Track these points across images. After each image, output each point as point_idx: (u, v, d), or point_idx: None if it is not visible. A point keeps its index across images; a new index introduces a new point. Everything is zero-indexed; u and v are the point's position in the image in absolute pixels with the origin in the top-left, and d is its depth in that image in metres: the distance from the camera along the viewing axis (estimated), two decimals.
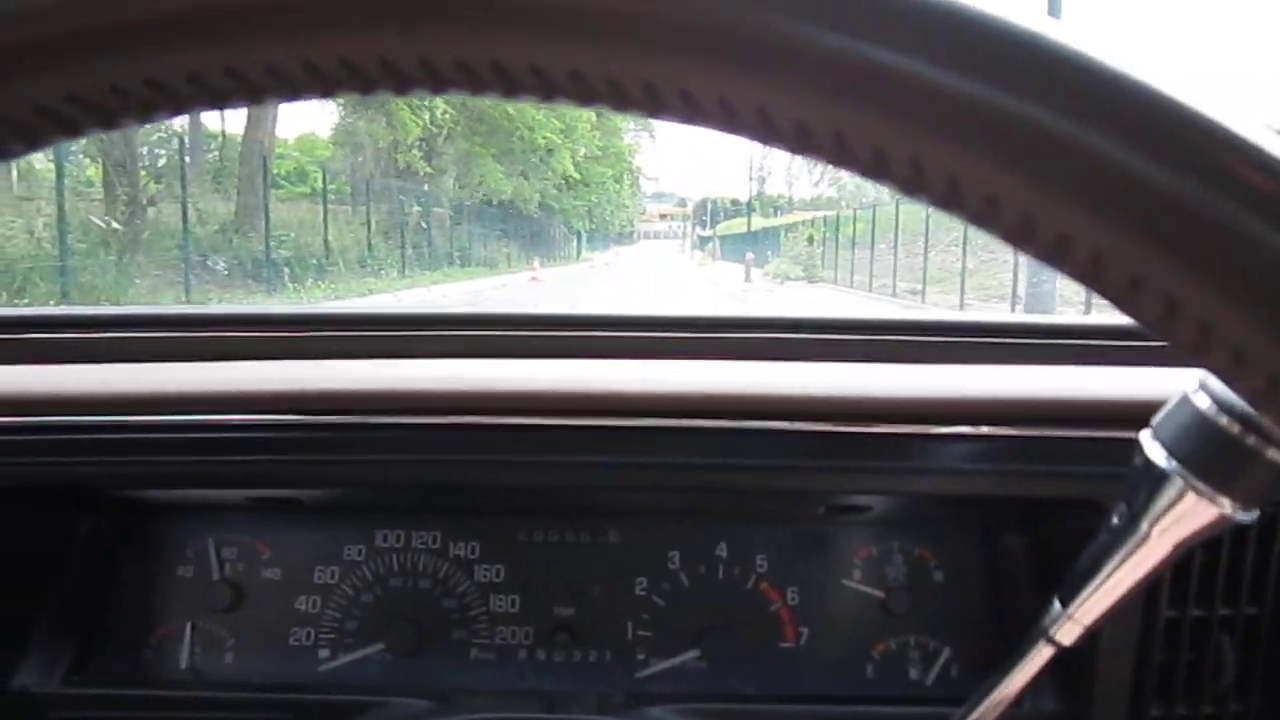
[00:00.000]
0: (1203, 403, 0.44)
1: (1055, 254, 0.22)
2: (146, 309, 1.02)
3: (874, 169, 0.22)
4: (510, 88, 0.23)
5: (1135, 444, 0.47)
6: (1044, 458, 0.68)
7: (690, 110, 0.23)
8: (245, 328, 0.96)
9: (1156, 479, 0.46)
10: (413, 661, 0.76)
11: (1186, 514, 0.45)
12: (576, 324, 0.96)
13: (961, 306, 14.87)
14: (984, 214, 0.22)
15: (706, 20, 0.21)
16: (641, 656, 0.77)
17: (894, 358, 0.90)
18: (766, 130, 0.23)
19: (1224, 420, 0.43)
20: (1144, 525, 0.47)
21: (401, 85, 0.24)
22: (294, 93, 0.24)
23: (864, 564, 0.78)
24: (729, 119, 0.23)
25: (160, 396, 0.69)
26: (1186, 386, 0.45)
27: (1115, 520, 0.49)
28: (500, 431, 0.69)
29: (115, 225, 11.96)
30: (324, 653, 0.77)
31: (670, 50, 0.21)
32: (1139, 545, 0.47)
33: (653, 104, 0.23)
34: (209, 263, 13.98)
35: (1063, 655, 0.53)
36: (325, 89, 0.24)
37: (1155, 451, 0.46)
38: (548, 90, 0.23)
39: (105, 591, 0.76)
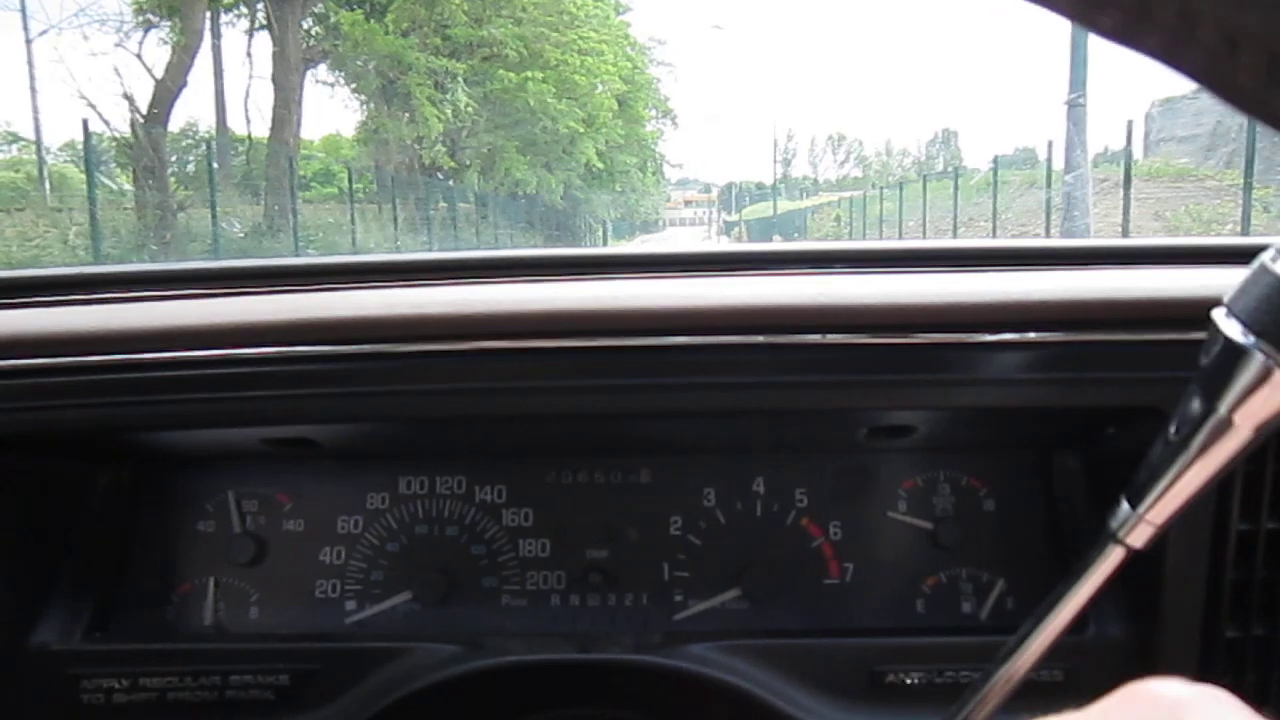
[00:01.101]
0: None
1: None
2: (164, 266, 0.98)
3: None
4: None
5: (1203, 336, 0.43)
6: (1099, 364, 0.63)
7: None
8: (263, 282, 0.93)
9: (1234, 356, 0.42)
10: (442, 611, 0.74)
11: (1269, 392, 0.41)
12: (601, 264, 0.92)
13: None
14: None
15: None
16: (679, 598, 0.74)
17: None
18: None
19: None
20: (1222, 408, 0.43)
21: None
22: None
23: (909, 495, 0.74)
24: None
25: (170, 331, 0.65)
26: (1263, 256, 0.41)
27: (1184, 410, 0.45)
28: (524, 355, 0.65)
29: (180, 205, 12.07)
30: (350, 604, 0.74)
31: None
32: (1216, 432, 0.43)
33: None
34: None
35: (1130, 568, 0.49)
36: None
37: (1231, 327, 0.42)
38: None
39: (126, 547, 0.74)
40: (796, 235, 30.24)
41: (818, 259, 0.91)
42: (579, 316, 0.65)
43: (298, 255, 14.64)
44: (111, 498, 0.73)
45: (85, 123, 10.70)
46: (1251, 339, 0.41)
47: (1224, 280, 0.63)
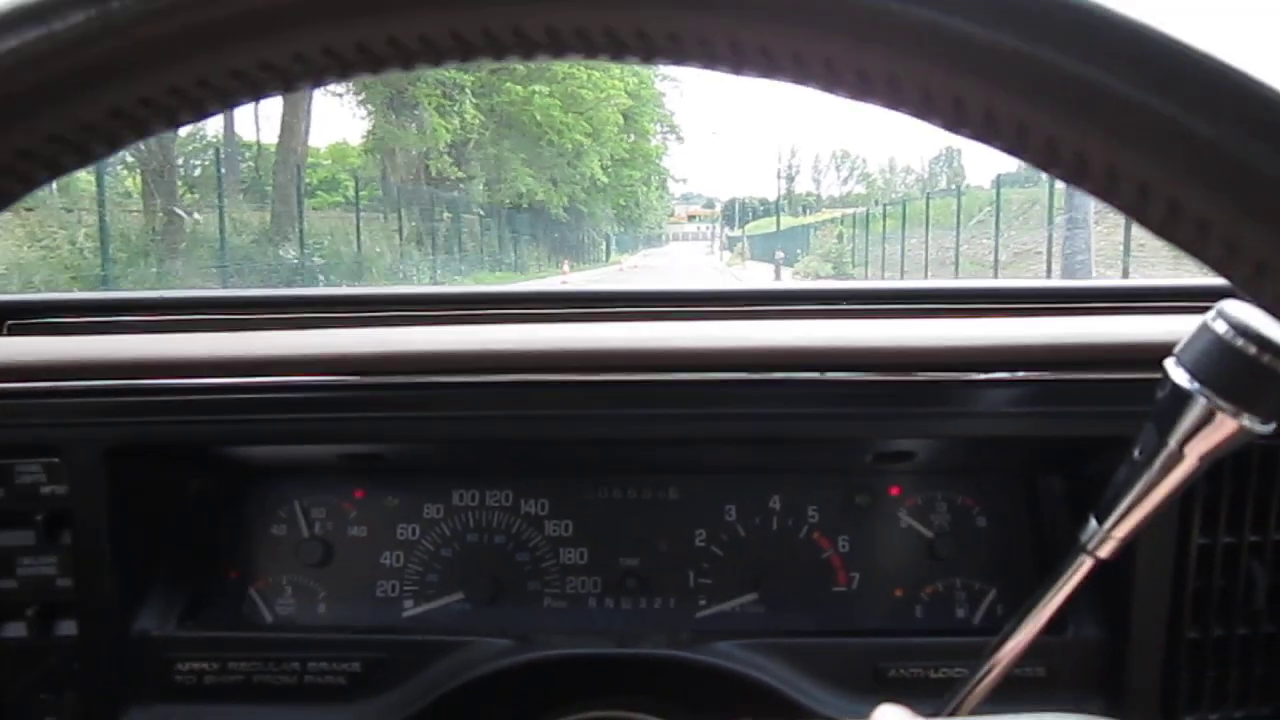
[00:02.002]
0: (1220, 328, 0.49)
1: (1106, 188, 0.25)
2: (210, 293, 1.09)
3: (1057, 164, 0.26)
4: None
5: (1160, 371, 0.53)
6: (1077, 399, 0.73)
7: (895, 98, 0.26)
8: (309, 308, 1.03)
9: (1182, 400, 0.51)
10: (490, 610, 0.82)
11: (1211, 429, 0.51)
12: (620, 300, 1.03)
13: None
14: (1048, 158, 0.25)
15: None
16: (703, 601, 0.82)
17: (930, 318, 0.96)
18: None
19: (1240, 342, 0.48)
20: (1172, 442, 0.52)
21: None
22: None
23: (910, 512, 0.83)
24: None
25: (264, 359, 0.76)
26: (1206, 316, 0.51)
27: (1144, 441, 0.54)
28: (569, 388, 0.76)
29: (197, 216, 12.28)
30: (408, 603, 0.83)
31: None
32: (1169, 461, 0.53)
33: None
34: (281, 251, 14.34)
35: (1104, 578, 0.58)
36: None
37: (1179, 375, 0.51)
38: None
39: (212, 547, 0.83)
40: (800, 252, 30.38)
41: (826, 298, 1.02)
42: (620, 354, 0.76)
43: (302, 263, 14.72)
44: (200, 503, 0.82)
45: None
46: (1196, 385, 0.51)
47: (1179, 327, 0.74)
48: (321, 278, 15.70)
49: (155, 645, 0.77)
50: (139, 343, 0.79)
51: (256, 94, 0.28)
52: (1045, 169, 0.27)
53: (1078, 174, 0.26)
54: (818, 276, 24.97)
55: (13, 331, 0.99)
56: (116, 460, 0.75)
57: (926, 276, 19.15)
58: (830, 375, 0.74)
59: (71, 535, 0.75)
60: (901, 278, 20.84)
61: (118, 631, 0.76)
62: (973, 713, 0.61)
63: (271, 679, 0.77)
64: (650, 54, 0.27)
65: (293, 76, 0.27)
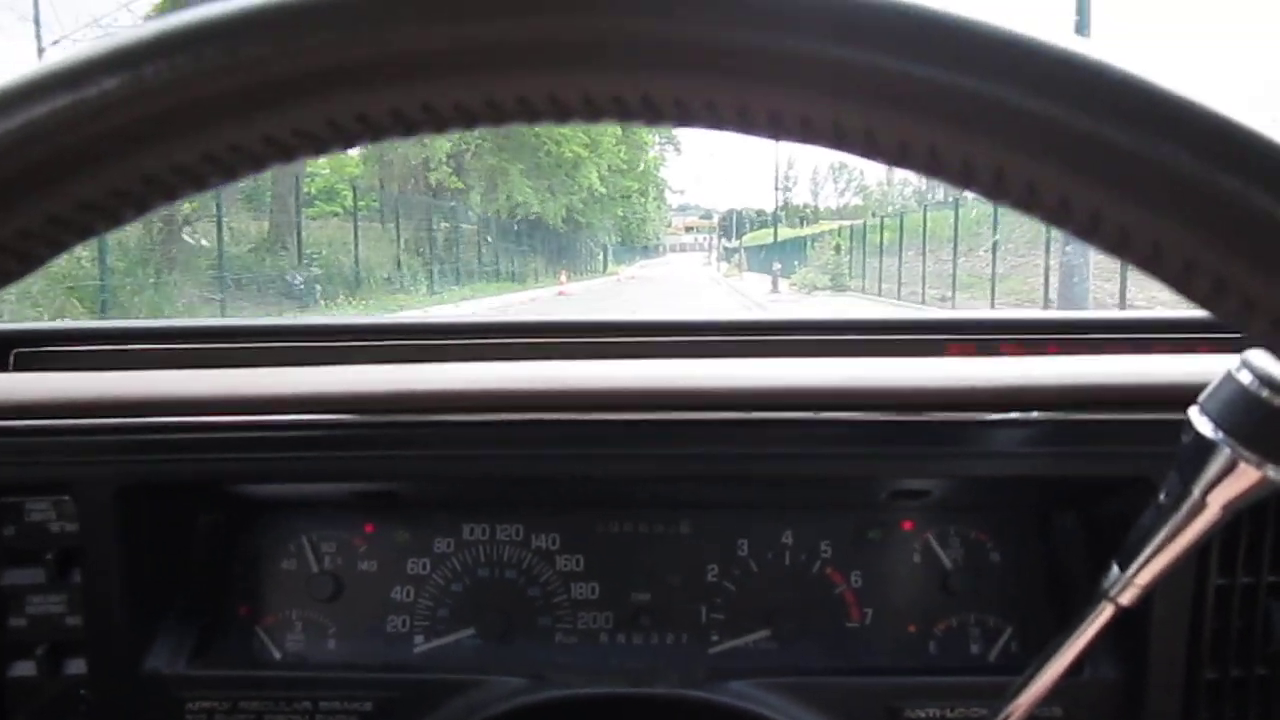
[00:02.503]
0: (1245, 379, 0.49)
1: (1118, 247, 0.26)
2: (218, 322, 1.09)
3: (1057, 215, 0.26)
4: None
5: (1182, 422, 0.52)
6: (1092, 440, 0.73)
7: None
8: (316, 338, 1.04)
9: (1206, 449, 0.51)
10: (502, 645, 0.82)
11: (1234, 479, 0.50)
12: (625, 329, 1.04)
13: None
14: (1087, 227, 0.26)
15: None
16: (715, 638, 0.82)
17: (937, 353, 0.96)
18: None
19: (1265, 393, 0.48)
20: (1196, 491, 0.52)
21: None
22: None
23: (923, 548, 0.83)
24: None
25: (270, 398, 0.76)
26: (1230, 365, 0.50)
27: (1169, 489, 0.54)
28: (582, 426, 0.75)
29: (198, 236, 12.36)
30: (419, 638, 0.83)
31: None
32: (1192, 510, 0.52)
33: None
34: (287, 276, 14.37)
35: (1121, 619, 0.58)
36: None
37: (1204, 424, 0.51)
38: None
39: (221, 583, 0.82)
40: (797, 263, 30.43)
41: (833, 329, 1.02)
42: (631, 394, 0.76)
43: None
44: (209, 538, 0.82)
45: None
46: (1220, 435, 0.50)
47: (1193, 367, 0.74)
48: (318, 287, 15.70)
49: (165, 684, 0.76)
50: (150, 380, 0.79)
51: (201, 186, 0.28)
52: (1057, 225, 0.27)
53: (1089, 231, 0.26)
54: (815, 288, 25.03)
55: (19, 361, 0.99)
56: (127, 498, 0.74)
57: (924, 290, 19.18)
58: (845, 415, 0.74)
59: (81, 573, 0.74)
60: (899, 291, 20.88)
61: (128, 670, 0.75)
62: None
63: (283, 718, 0.76)
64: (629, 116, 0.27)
65: (230, 167, 0.28)
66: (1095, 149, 0.24)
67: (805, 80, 0.26)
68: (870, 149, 0.27)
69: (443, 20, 0.25)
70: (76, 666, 0.75)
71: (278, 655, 0.82)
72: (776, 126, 0.27)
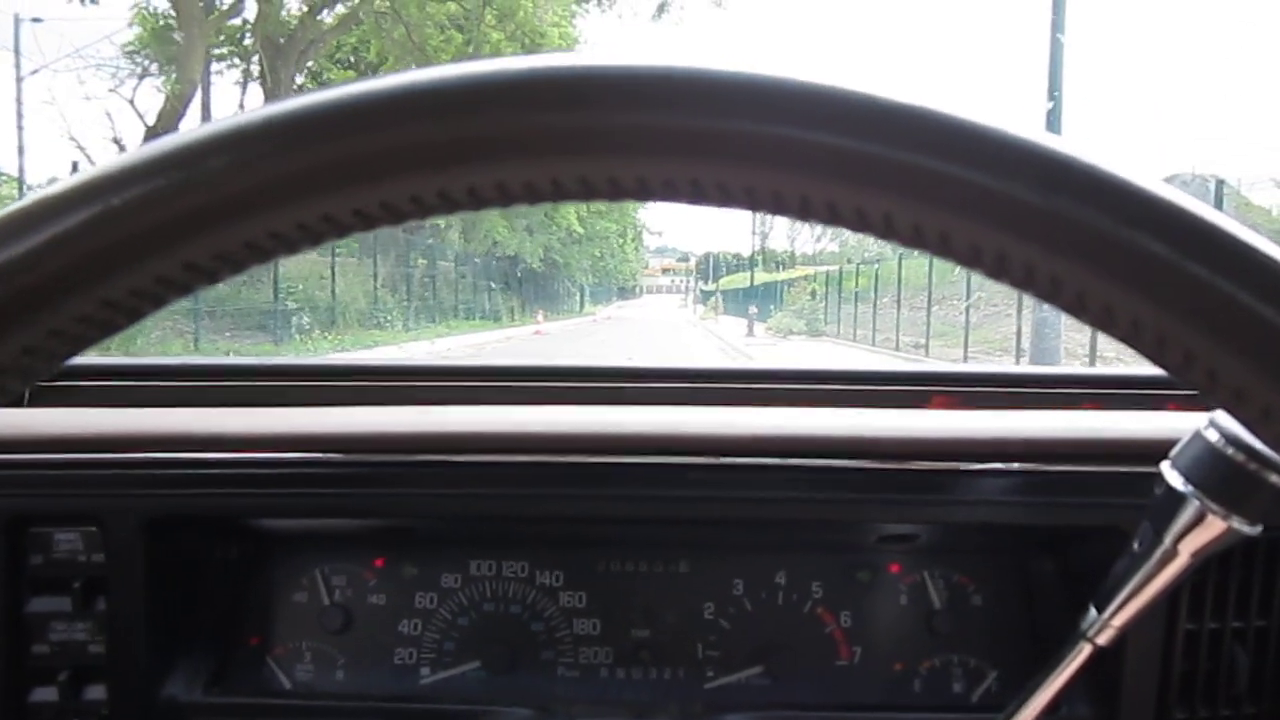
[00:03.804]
0: (1213, 437, 0.54)
1: (1102, 322, 0.30)
2: (222, 361, 1.13)
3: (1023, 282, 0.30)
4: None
5: (1155, 476, 0.58)
6: (1068, 490, 0.78)
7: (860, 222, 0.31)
8: (315, 378, 1.08)
9: (1176, 501, 0.56)
10: (506, 678, 0.85)
11: (1203, 529, 0.55)
12: (616, 376, 1.09)
13: (965, 359, 14.98)
14: (1051, 292, 0.30)
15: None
16: (711, 674, 0.86)
17: (915, 405, 1.01)
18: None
19: (1231, 451, 0.53)
20: (1167, 540, 0.57)
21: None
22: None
23: (909, 589, 0.87)
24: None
25: (285, 437, 0.80)
26: (1199, 424, 0.56)
27: (1142, 537, 0.59)
28: (587, 469, 0.80)
29: None
30: (425, 670, 0.86)
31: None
32: (1164, 557, 0.57)
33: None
34: (283, 322, 14.32)
35: (1097, 659, 0.62)
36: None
37: (1175, 478, 0.56)
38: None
39: (237, 613, 0.85)
40: (773, 308, 30.63)
41: (808, 378, 1.07)
42: (637, 440, 0.80)
43: (276, 307, 14.66)
44: (226, 571, 0.85)
45: (75, 165, 10.85)
46: (1190, 488, 0.56)
47: (1161, 424, 0.80)
48: (294, 321, 15.65)
49: (182, 712, 0.79)
50: (175, 417, 0.83)
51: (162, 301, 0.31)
52: (1043, 300, 0.31)
53: (1077, 308, 0.30)
54: (790, 333, 25.18)
55: (34, 396, 1.02)
56: (153, 530, 0.78)
57: (898, 337, 19.35)
58: (836, 462, 0.79)
59: (106, 602, 0.77)
60: (874, 336, 21.06)
61: (146, 697, 0.78)
62: None
63: None
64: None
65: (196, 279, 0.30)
66: (1098, 246, 0.28)
67: (790, 160, 0.29)
68: (886, 232, 0.30)
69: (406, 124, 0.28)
70: (97, 693, 0.78)
71: (289, 685, 0.85)
72: (744, 198, 0.31)
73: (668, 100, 0.29)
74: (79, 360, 1.13)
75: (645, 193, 0.31)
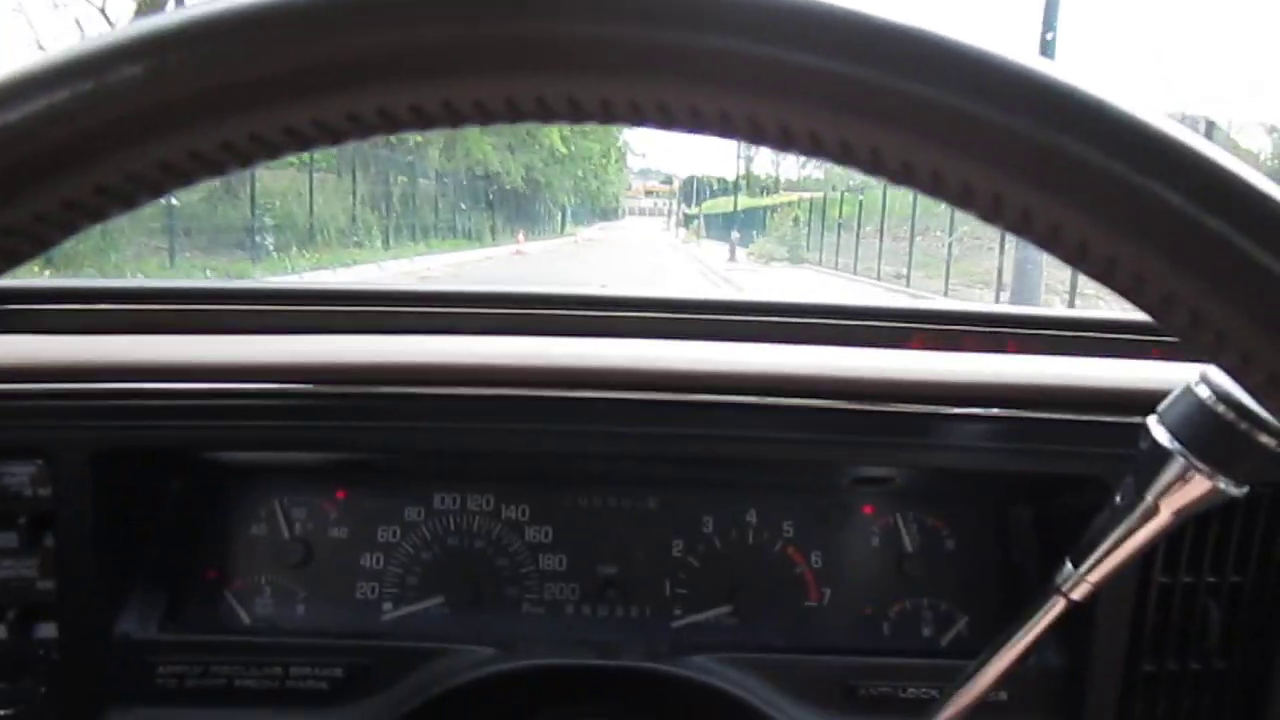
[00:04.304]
0: (1204, 394, 0.52)
1: (1104, 275, 0.27)
2: (183, 283, 1.09)
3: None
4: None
5: (1140, 428, 0.55)
6: (1052, 438, 0.76)
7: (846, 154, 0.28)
8: (286, 301, 1.04)
9: (1161, 458, 0.54)
10: (469, 614, 0.83)
11: (1187, 488, 0.53)
12: (592, 304, 1.05)
13: (946, 292, 15.01)
14: (1049, 237, 0.27)
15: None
16: (678, 612, 0.84)
17: (897, 343, 0.99)
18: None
19: (1222, 409, 0.51)
20: (1149, 497, 0.55)
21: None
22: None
23: (882, 532, 0.85)
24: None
25: (241, 367, 0.76)
26: (1189, 379, 0.53)
27: (1123, 493, 0.57)
28: (554, 403, 0.77)
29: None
30: (387, 605, 0.84)
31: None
32: (1145, 514, 0.55)
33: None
34: (256, 238, 14.11)
35: (1070, 613, 0.61)
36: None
37: (1161, 435, 0.54)
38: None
39: (192, 547, 0.83)
40: (755, 233, 30.49)
41: (791, 310, 1.05)
42: (605, 373, 0.78)
43: (253, 223, 14.47)
44: (180, 503, 0.82)
45: None
46: (1176, 445, 0.53)
47: (1147, 373, 0.78)
48: (271, 239, 15.44)
49: (136, 648, 0.77)
50: (125, 345, 0.79)
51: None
52: (1047, 249, 0.28)
53: (1078, 258, 0.27)
54: (772, 259, 25.12)
55: None
56: (102, 463, 0.75)
57: (879, 266, 19.33)
58: (811, 402, 0.77)
59: (54, 537, 0.75)
60: (855, 265, 21.03)
61: (99, 634, 0.76)
62: None
63: (254, 683, 0.77)
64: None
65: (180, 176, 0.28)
66: (1087, 180, 0.25)
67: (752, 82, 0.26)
68: (874, 167, 0.28)
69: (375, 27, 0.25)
70: (47, 630, 0.75)
71: (247, 620, 0.83)
72: (721, 125, 0.27)
73: (638, 10, 0.26)
74: (27, 282, 1.09)
75: (609, 115, 0.28)
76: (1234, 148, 13.64)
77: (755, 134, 0.28)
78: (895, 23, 0.26)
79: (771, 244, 27.02)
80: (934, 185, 0.27)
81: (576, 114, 0.27)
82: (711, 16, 0.26)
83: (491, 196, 30.52)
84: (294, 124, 0.27)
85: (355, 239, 18.62)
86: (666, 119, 0.27)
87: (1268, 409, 0.31)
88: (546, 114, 0.27)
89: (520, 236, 28.72)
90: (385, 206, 21.03)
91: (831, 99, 0.26)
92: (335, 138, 0.28)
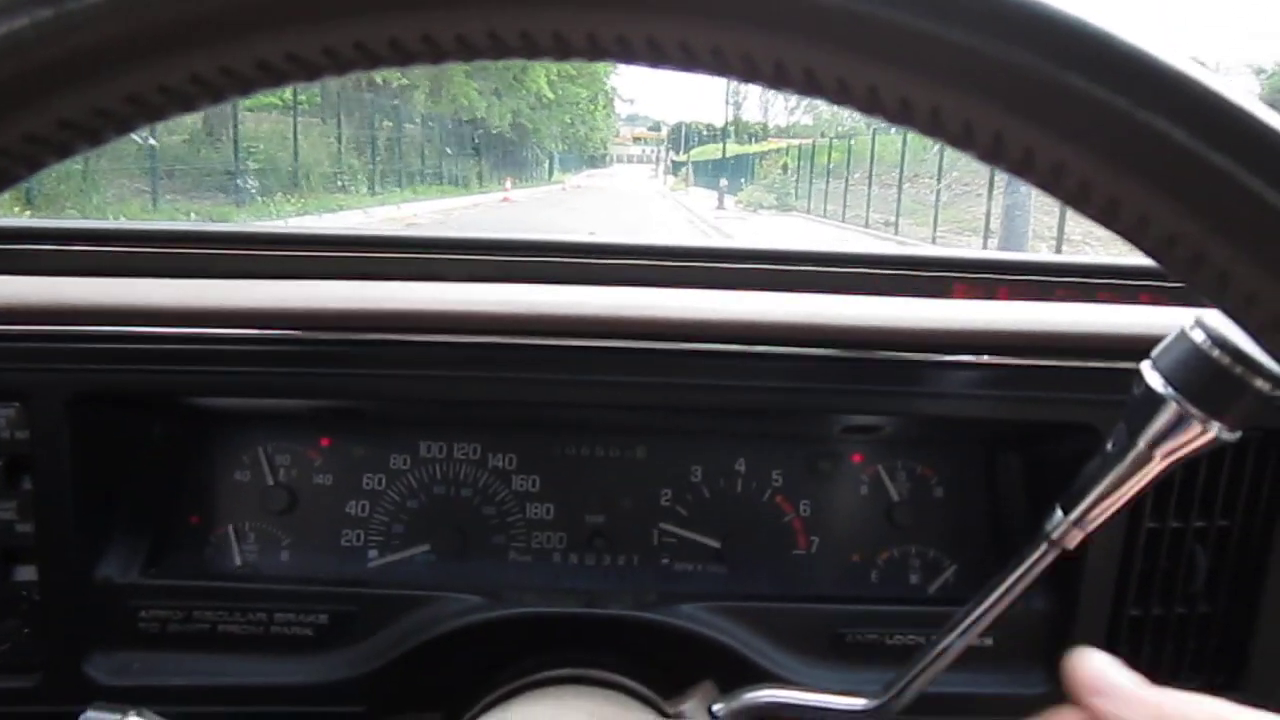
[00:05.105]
0: (1198, 338, 0.51)
1: (1106, 216, 0.27)
2: (166, 226, 1.07)
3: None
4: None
5: (1132, 374, 0.54)
6: (1039, 385, 0.76)
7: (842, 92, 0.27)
8: (270, 246, 1.02)
9: (1155, 403, 0.53)
10: (456, 562, 0.83)
11: (1180, 434, 0.53)
12: (584, 251, 1.04)
13: (934, 240, 14.99)
14: (1050, 178, 0.26)
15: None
16: (666, 561, 0.84)
17: (891, 291, 0.98)
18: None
19: (1217, 353, 0.50)
20: (1141, 443, 0.54)
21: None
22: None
23: (870, 480, 0.85)
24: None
25: (224, 311, 0.75)
26: (1184, 323, 0.52)
27: (1115, 439, 0.56)
28: (541, 351, 0.76)
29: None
30: (373, 553, 0.83)
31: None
32: (1137, 461, 0.55)
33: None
34: (239, 182, 13.91)
35: (1059, 560, 0.61)
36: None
37: (1155, 379, 0.53)
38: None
39: (175, 493, 0.82)
40: (744, 180, 30.31)
41: (782, 258, 1.03)
42: (593, 321, 0.76)
43: (237, 167, 14.30)
44: (163, 448, 0.81)
45: None
46: (1170, 390, 0.52)
47: (1143, 319, 0.77)
48: (255, 183, 15.27)
49: (118, 592, 0.76)
50: (106, 288, 0.77)
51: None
52: (1048, 191, 0.27)
53: (1079, 199, 0.27)
54: (761, 207, 25.00)
55: None
56: (80, 407, 0.73)
57: (868, 214, 19.26)
58: (800, 350, 0.76)
59: (32, 481, 0.74)
60: (844, 212, 20.95)
61: (79, 578, 0.75)
62: (931, 683, 0.64)
63: (237, 628, 0.77)
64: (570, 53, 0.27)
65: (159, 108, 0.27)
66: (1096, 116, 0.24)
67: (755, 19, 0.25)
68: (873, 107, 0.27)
69: None
70: (27, 574, 0.75)
71: (230, 566, 0.83)
72: (713, 63, 0.26)
73: None
74: (6, 222, 1.06)
75: (595, 52, 0.27)
76: None
77: (750, 72, 0.27)
78: None
79: (760, 191, 26.88)
80: (932, 124, 0.26)
81: (562, 49, 0.27)
82: None
83: (477, 142, 30.19)
84: (268, 57, 0.26)
85: (340, 184, 18.43)
86: (658, 56, 0.27)
87: (1268, 351, 0.30)
88: (531, 49, 0.27)
89: (508, 183, 28.47)
90: (371, 151, 20.80)
91: (827, 34, 0.25)
92: (310, 72, 0.27)
